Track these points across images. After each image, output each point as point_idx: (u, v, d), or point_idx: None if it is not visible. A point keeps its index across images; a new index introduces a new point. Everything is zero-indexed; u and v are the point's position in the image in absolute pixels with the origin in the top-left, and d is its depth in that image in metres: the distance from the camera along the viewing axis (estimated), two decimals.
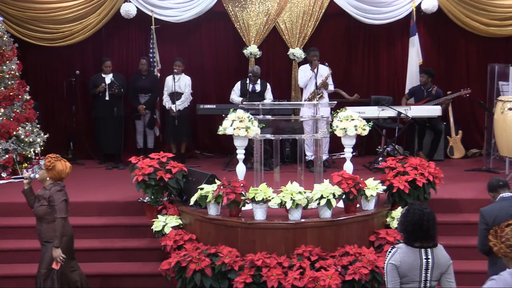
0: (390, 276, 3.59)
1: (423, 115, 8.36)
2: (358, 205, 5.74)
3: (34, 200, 4.99)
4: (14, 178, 5.41)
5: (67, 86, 9.09)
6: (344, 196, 5.56)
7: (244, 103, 7.19)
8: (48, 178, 4.93)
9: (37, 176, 5.00)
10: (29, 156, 7.73)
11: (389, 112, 8.22)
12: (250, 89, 8.44)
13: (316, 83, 8.04)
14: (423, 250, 3.58)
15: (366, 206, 5.73)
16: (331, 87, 8.27)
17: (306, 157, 8.11)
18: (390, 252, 3.65)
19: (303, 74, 8.19)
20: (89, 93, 8.84)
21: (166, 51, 9.10)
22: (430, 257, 3.57)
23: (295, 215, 5.42)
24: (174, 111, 8.43)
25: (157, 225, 5.73)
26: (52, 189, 4.88)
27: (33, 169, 7.43)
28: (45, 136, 8.12)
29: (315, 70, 8.07)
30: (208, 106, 8.73)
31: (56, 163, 4.91)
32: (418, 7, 8.97)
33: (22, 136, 7.70)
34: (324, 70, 8.13)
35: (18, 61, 8.11)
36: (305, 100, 8.14)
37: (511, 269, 3.05)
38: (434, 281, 3.61)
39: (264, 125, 6.17)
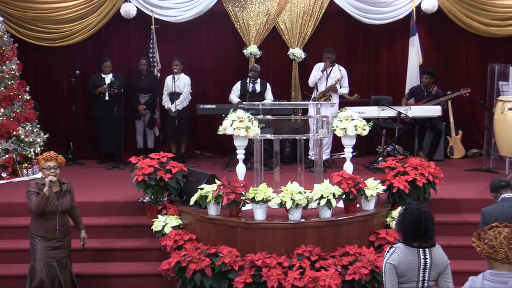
0: (388, 275, 3.59)
1: (423, 115, 8.36)
2: (358, 205, 5.74)
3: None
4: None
5: (67, 86, 9.09)
6: (344, 196, 5.56)
7: (244, 103, 7.18)
8: None
9: (54, 178, 5.01)
10: (29, 156, 7.73)
11: (389, 112, 8.22)
12: (250, 89, 8.44)
13: (327, 84, 8.04)
14: (421, 250, 3.58)
15: (366, 206, 5.73)
16: (343, 90, 8.24)
17: (309, 156, 8.12)
18: (388, 251, 3.65)
19: (315, 73, 8.18)
20: (88, 93, 8.85)
21: (166, 51, 9.10)
22: (428, 257, 3.57)
23: (295, 215, 5.42)
24: (173, 110, 8.43)
25: (157, 225, 5.73)
26: (68, 182, 5.21)
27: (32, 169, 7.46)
28: (45, 136, 8.11)
29: (326, 71, 8.07)
30: (208, 106, 8.73)
31: None
32: (418, 7, 8.97)
33: (22, 136, 7.69)
34: (337, 73, 8.12)
35: (18, 61, 8.10)
36: (312, 99, 8.14)
37: (489, 270, 3.08)
38: (431, 281, 3.61)
39: (264, 125, 6.16)
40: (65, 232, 5.18)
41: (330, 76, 8.10)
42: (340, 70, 8.16)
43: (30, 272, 5.10)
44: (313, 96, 8.23)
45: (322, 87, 8.08)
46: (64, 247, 5.18)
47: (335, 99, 8.05)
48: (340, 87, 8.18)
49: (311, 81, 8.23)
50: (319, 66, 8.20)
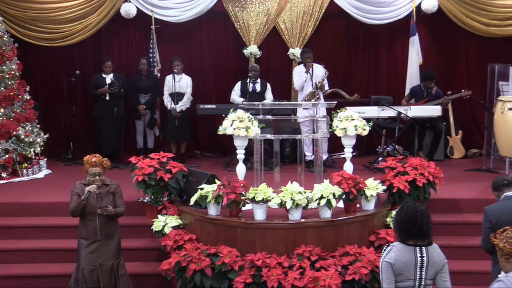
0: (385, 274, 3.60)
1: (423, 115, 8.36)
2: (358, 205, 5.74)
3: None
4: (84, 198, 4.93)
5: (67, 86, 9.09)
6: (344, 196, 5.55)
7: (244, 103, 7.19)
8: None
9: (96, 190, 4.90)
10: (29, 156, 7.73)
11: (389, 112, 8.22)
12: (250, 89, 8.44)
13: (312, 84, 8.03)
14: (418, 248, 3.59)
15: (366, 206, 5.73)
16: (326, 87, 8.26)
17: (306, 157, 8.11)
18: (385, 250, 3.67)
19: (299, 77, 8.17)
20: (89, 93, 8.84)
21: (166, 51, 9.10)
22: (425, 255, 3.58)
23: (295, 215, 5.42)
24: (177, 111, 8.43)
25: (157, 225, 5.73)
26: (114, 183, 5.08)
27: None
28: (45, 136, 8.11)
29: (310, 71, 8.07)
30: (208, 106, 8.73)
31: None
32: (418, 7, 8.97)
33: (22, 136, 7.69)
34: (319, 70, 8.12)
35: (18, 61, 8.11)
36: (302, 101, 8.13)
37: None
38: (429, 280, 3.62)
39: (264, 125, 6.16)
40: (108, 235, 5.00)
41: (313, 75, 8.09)
42: (324, 68, 8.12)
43: (75, 274, 5.03)
44: (300, 99, 8.21)
45: (309, 88, 8.08)
46: (109, 250, 5.01)
47: (322, 98, 8.06)
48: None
49: (297, 85, 8.20)
50: (299, 69, 8.22)
